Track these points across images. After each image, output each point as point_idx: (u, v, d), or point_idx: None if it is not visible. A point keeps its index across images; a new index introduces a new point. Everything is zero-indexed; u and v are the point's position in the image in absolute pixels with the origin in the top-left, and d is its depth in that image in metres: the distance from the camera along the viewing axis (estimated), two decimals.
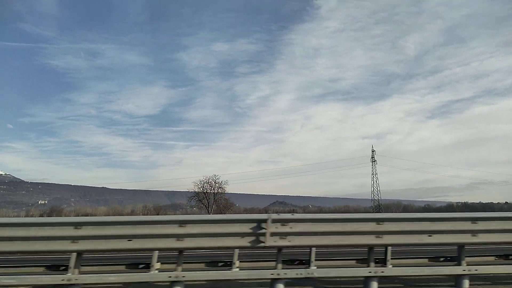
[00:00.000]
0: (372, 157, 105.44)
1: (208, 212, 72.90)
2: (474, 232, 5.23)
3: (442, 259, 6.40)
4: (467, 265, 5.37)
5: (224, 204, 78.72)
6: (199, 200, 75.84)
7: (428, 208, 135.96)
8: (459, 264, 5.36)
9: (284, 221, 5.09)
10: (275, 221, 5.07)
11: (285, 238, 5.06)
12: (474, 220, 5.26)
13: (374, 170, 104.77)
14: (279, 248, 5.16)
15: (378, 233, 5.14)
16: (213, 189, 75.16)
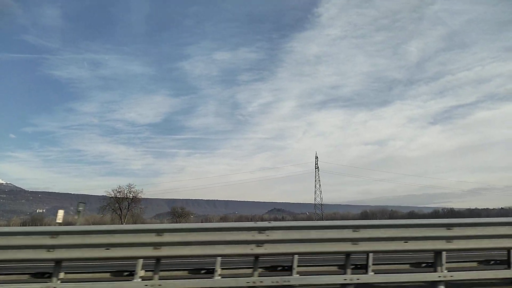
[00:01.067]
0: (315, 164, 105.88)
1: (121, 221, 72.08)
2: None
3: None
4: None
5: (138, 213, 77.60)
6: (113, 210, 74.87)
7: (433, 214, 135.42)
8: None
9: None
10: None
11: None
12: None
13: (317, 177, 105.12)
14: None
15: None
16: (127, 196, 73.64)
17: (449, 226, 5.31)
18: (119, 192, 73.92)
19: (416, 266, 6.36)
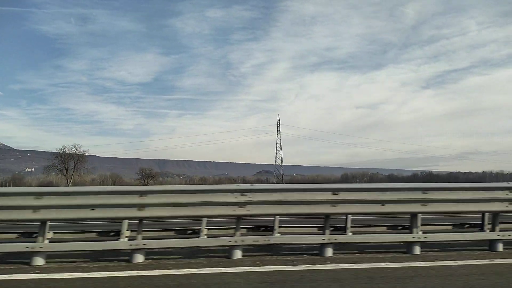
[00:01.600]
0: (278, 127, 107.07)
1: (67, 183, 72.66)
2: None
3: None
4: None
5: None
6: (59, 170, 75.17)
7: (411, 177, 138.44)
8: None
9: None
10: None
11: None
12: (424, 190, 5.51)
13: (278, 140, 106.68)
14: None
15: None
16: (73, 158, 73.42)
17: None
18: (63, 152, 73.08)
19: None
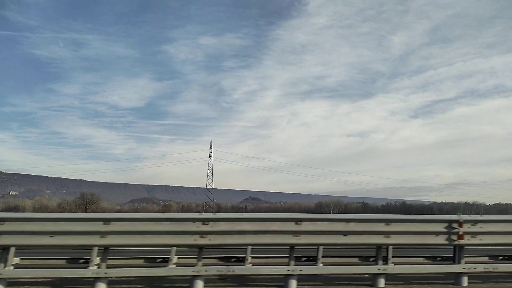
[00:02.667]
0: (210, 152, 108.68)
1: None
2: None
3: (372, 259, 6.59)
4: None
5: None
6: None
7: (385, 207, 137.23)
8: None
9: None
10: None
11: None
12: (387, 222, 5.53)
13: (210, 167, 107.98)
14: (200, 246, 5.33)
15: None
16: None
17: (387, 221, 5.52)
18: None
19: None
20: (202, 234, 5.23)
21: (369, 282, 5.58)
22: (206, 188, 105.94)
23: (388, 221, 5.53)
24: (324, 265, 5.88)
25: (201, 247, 5.32)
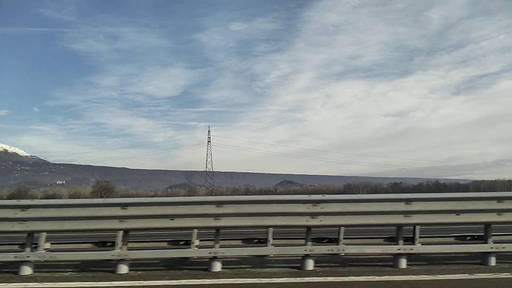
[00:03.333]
0: (208, 138, 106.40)
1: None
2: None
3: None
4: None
5: None
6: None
7: (417, 187, 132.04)
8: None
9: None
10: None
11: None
12: (407, 201, 5.46)
13: (209, 151, 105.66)
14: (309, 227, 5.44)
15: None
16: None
17: (407, 200, 5.46)
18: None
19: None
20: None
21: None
22: (206, 172, 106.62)
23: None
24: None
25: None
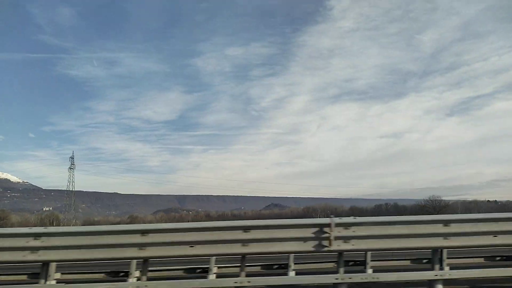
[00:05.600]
0: (71, 164, 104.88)
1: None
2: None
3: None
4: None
5: None
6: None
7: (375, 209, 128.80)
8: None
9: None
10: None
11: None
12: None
13: (71, 178, 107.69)
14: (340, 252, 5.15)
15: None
16: None
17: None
18: None
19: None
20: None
21: None
22: (66, 204, 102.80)
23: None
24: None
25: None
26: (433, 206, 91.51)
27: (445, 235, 5.04)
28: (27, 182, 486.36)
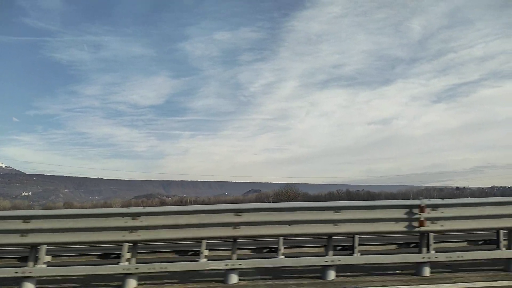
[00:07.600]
0: None
1: None
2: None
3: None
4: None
5: None
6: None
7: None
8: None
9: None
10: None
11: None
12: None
13: None
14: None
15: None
16: None
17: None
18: None
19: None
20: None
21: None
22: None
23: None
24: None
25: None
26: None
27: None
28: (10, 167, 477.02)
